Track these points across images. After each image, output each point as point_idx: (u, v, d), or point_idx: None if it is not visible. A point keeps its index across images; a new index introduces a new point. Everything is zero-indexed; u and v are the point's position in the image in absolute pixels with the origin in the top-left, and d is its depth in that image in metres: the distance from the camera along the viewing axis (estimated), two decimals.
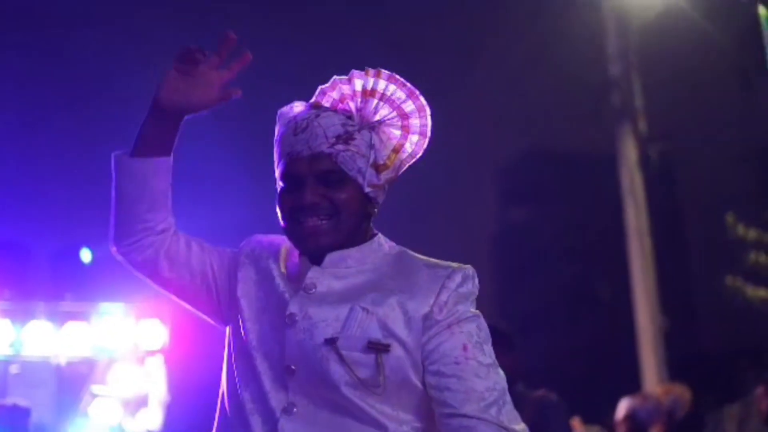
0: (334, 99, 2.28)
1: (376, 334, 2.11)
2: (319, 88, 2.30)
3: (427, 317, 2.13)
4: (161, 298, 8.52)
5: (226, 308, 2.31)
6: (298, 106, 2.28)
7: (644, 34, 12.87)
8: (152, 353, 9.56)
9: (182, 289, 2.33)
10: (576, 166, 18.68)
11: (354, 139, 2.21)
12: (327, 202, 2.19)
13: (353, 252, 2.23)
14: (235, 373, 2.22)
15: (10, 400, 5.97)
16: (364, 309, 2.13)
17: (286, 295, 2.21)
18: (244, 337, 2.22)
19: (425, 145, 2.31)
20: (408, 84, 2.29)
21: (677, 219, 16.62)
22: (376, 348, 2.10)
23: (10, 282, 9.57)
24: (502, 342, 4.50)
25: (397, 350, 2.11)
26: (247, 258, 2.32)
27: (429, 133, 2.31)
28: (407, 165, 2.33)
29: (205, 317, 2.38)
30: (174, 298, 2.37)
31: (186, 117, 2.25)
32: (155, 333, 9.50)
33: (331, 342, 2.11)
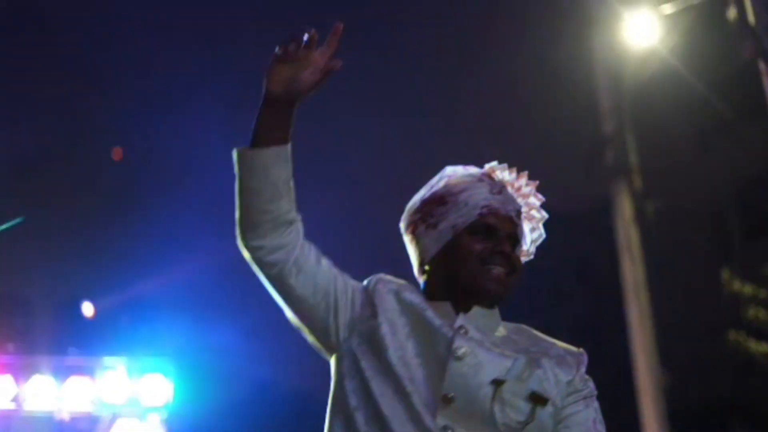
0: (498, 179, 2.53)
1: (538, 387, 2.31)
2: (486, 165, 2.54)
3: (570, 384, 2.37)
4: (165, 353, 8.50)
5: (344, 330, 2.39)
6: (472, 169, 2.52)
7: (638, 92, 13.06)
8: (155, 409, 9.51)
9: (302, 300, 2.38)
10: (570, 222, 18.83)
11: (521, 219, 2.52)
12: (513, 259, 2.43)
13: (493, 312, 2.45)
14: (374, 392, 2.30)
15: None
16: (527, 362, 2.33)
17: (444, 330, 2.34)
18: (387, 360, 2.32)
19: (530, 257, 2.62)
20: (539, 194, 2.59)
21: (675, 273, 16.73)
22: (537, 399, 2.30)
23: (13, 336, 9.56)
24: None
25: (549, 407, 2.32)
26: (385, 287, 2.42)
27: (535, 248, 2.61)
28: None
29: (309, 335, 2.44)
30: (288, 308, 2.41)
31: (299, 101, 2.32)
32: (158, 388, 9.46)
33: (497, 383, 2.29)
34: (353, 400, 2.32)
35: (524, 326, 2.50)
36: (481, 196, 2.43)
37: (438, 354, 2.31)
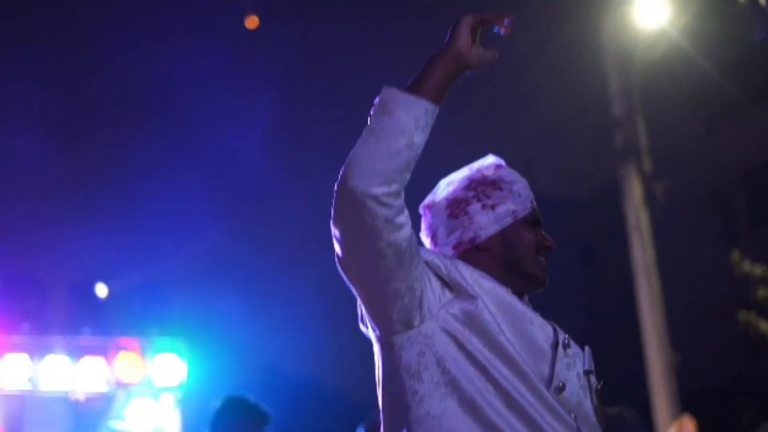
0: None
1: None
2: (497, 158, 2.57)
3: None
4: (178, 333, 8.51)
5: (426, 311, 2.26)
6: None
7: (647, 74, 13.06)
8: (169, 389, 9.58)
9: (404, 271, 2.22)
10: (579, 206, 18.87)
11: None
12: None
13: None
14: (496, 376, 2.23)
15: None
16: (591, 354, 2.44)
17: (540, 319, 2.38)
18: (500, 344, 2.26)
19: None
20: None
21: (684, 255, 16.77)
22: (601, 390, 2.42)
23: (28, 316, 9.62)
24: None
25: None
26: (457, 265, 2.35)
27: None
28: None
29: (381, 310, 2.28)
30: (378, 277, 2.23)
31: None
32: (172, 369, 9.53)
33: (588, 374, 2.38)
34: (471, 385, 2.23)
35: None
36: (527, 190, 2.51)
37: (537, 341, 2.30)
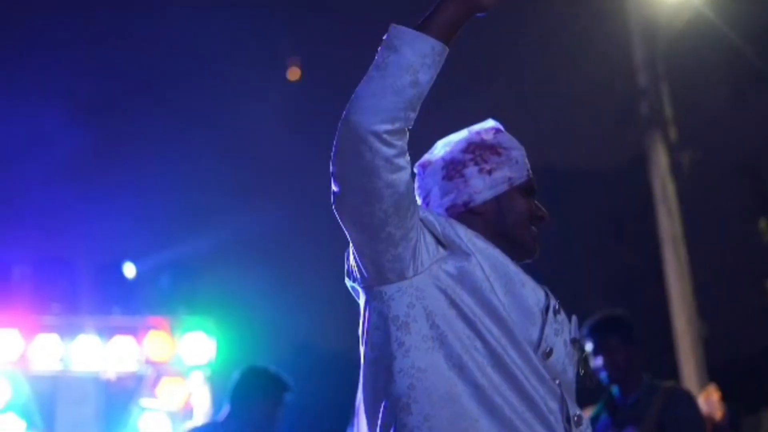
0: None
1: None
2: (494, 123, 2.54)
3: None
4: (207, 312, 8.54)
5: (419, 264, 2.22)
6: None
7: (672, 42, 12.96)
8: (198, 367, 9.63)
9: (401, 216, 2.17)
10: (605, 177, 18.79)
11: None
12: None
13: None
14: (485, 334, 2.21)
15: None
16: (577, 322, 2.41)
17: (534, 282, 2.35)
18: (491, 304, 2.23)
19: None
20: None
21: (711, 225, 16.68)
22: (585, 360, 2.40)
23: (58, 297, 9.69)
24: (625, 332, 4.58)
25: None
26: (451, 222, 2.32)
27: None
28: None
29: (371, 258, 2.23)
30: (375, 225, 2.17)
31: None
32: (201, 347, 9.58)
33: (574, 342, 2.35)
34: (459, 342, 2.20)
35: None
36: (525, 158, 2.48)
37: (528, 303, 2.28)
